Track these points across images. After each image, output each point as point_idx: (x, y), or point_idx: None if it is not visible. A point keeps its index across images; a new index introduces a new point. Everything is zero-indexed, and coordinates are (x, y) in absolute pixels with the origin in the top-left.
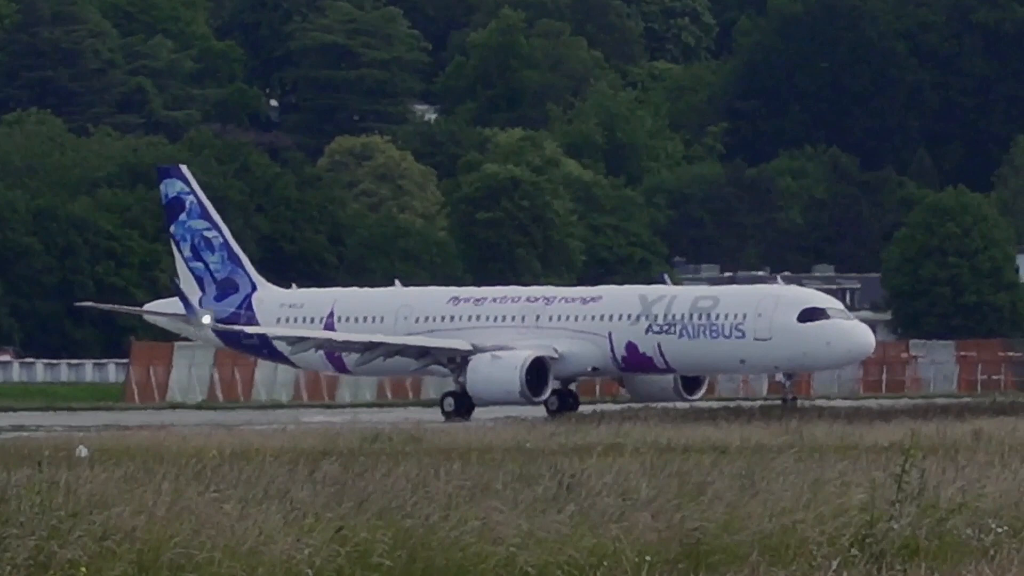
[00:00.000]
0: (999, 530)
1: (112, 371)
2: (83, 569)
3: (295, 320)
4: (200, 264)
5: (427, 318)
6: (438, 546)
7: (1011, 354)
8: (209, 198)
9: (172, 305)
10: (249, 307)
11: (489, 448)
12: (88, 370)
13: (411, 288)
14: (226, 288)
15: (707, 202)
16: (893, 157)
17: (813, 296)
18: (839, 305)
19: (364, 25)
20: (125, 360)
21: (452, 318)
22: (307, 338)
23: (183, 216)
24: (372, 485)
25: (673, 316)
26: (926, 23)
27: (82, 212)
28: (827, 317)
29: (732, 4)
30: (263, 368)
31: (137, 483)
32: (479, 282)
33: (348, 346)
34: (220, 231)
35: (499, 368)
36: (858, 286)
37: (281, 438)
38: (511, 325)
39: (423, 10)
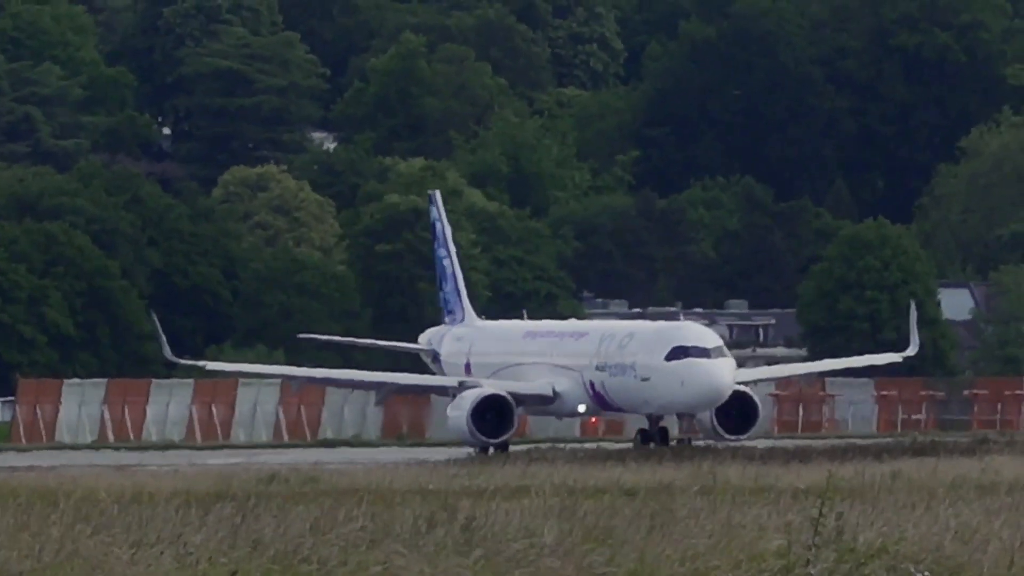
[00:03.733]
0: (920, 575)
1: None
2: None
3: (459, 353)
4: (441, 293)
5: (508, 352)
6: None
7: (932, 393)
8: (97, 231)
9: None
10: (442, 340)
11: (390, 490)
12: None
13: (517, 321)
14: (453, 318)
15: (616, 234)
16: (809, 187)
17: (689, 333)
18: (713, 343)
19: (259, 50)
20: (11, 398)
21: (521, 353)
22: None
23: (436, 244)
24: (268, 528)
25: (608, 354)
26: (844, 48)
27: None
28: (686, 356)
29: (641, 29)
30: (155, 407)
31: (25, 526)
32: (377, 318)
33: (329, 381)
34: (452, 259)
35: (456, 407)
36: (773, 322)
37: (174, 479)
38: (541, 362)
39: (321, 35)
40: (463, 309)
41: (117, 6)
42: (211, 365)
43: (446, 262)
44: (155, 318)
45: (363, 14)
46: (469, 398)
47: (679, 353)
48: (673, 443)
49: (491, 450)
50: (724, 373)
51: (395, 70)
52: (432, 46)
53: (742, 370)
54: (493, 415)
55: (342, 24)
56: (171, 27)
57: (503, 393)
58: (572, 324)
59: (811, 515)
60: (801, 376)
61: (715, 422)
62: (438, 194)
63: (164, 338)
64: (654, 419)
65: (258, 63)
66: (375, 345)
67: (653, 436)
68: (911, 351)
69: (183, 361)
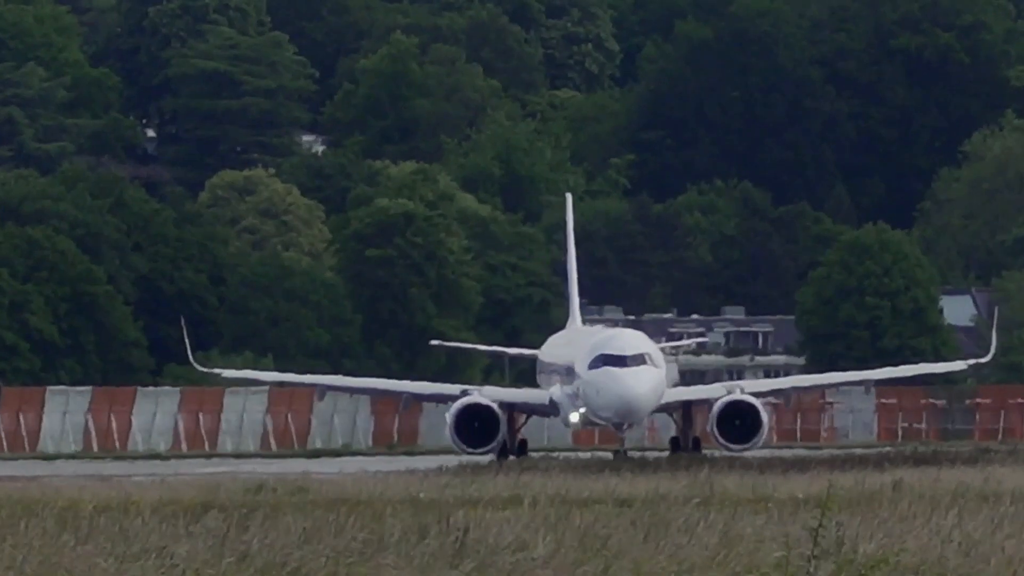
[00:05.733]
0: None
1: None
2: None
3: (542, 360)
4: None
5: (556, 358)
6: None
7: (933, 401)
8: (82, 235)
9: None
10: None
11: (381, 500)
12: None
13: (589, 327)
14: (569, 322)
15: (611, 240)
16: (808, 192)
17: (617, 341)
18: (633, 351)
19: (247, 51)
20: None
21: (555, 359)
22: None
23: (563, 247)
24: (255, 539)
25: (573, 362)
26: (844, 49)
27: None
28: (604, 364)
29: (637, 29)
30: (141, 416)
31: (6, 537)
32: (367, 324)
33: (348, 390)
34: (571, 263)
35: (446, 416)
36: (771, 329)
37: (160, 489)
38: (560, 369)
39: (310, 35)
40: (571, 313)
41: (102, 6)
42: (227, 373)
43: (568, 266)
44: (183, 322)
45: (353, 14)
46: (453, 407)
47: (599, 362)
48: (610, 455)
49: (510, 456)
50: (638, 383)
51: (385, 71)
52: (423, 47)
53: (792, 377)
54: (480, 424)
55: (331, 24)
56: (157, 28)
57: (487, 402)
58: (576, 331)
59: (810, 526)
60: (856, 385)
61: (716, 432)
62: (569, 197)
63: (189, 344)
64: (683, 427)
65: (245, 64)
66: (504, 352)
67: (684, 445)
68: (987, 357)
69: (205, 369)
